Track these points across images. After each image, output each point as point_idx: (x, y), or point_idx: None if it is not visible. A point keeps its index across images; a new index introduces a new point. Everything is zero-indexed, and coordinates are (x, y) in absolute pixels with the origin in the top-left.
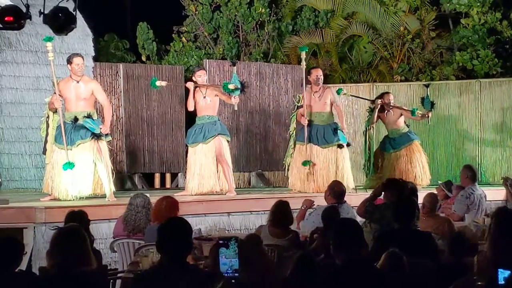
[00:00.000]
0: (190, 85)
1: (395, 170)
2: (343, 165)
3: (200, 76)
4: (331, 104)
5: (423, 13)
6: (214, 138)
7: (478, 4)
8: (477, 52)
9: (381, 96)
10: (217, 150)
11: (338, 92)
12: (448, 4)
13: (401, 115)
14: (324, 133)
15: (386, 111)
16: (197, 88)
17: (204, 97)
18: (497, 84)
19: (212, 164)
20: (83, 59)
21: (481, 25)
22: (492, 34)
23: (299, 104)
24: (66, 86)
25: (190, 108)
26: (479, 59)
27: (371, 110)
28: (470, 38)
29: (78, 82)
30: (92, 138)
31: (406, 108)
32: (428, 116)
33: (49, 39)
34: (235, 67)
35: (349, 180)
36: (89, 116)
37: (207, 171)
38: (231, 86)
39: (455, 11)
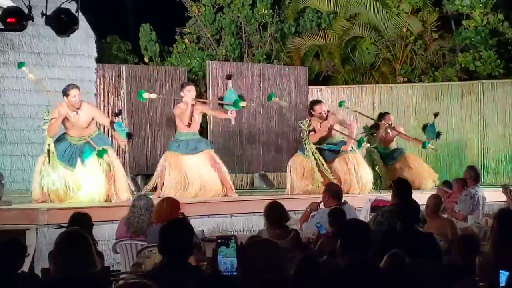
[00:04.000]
0: (189, 100)
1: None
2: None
3: (190, 92)
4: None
5: (426, 14)
6: (205, 152)
7: (480, 5)
8: (480, 53)
9: (382, 116)
10: (211, 161)
11: (340, 104)
12: (451, 6)
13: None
14: (329, 150)
15: (384, 131)
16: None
17: (193, 114)
18: (499, 85)
19: (210, 172)
20: (79, 89)
21: (483, 26)
22: (494, 35)
23: (310, 129)
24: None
25: (186, 123)
26: (482, 60)
27: (369, 129)
28: (472, 39)
29: (77, 113)
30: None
31: (413, 137)
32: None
33: (21, 64)
34: (230, 80)
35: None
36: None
37: (207, 177)
38: (242, 104)
39: (457, 12)
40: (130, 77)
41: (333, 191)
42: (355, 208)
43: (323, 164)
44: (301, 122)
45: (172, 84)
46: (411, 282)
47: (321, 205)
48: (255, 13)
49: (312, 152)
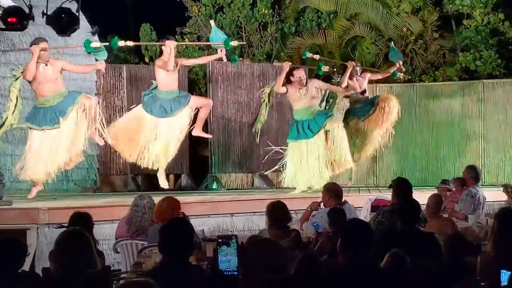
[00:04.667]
0: (172, 46)
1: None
2: (338, 144)
3: (171, 42)
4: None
5: (426, 14)
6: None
7: (481, 5)
8: (480, 53)
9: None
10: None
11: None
12: (451, 5)
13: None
14: (309, 124)
15: (355, 77)
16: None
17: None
18: (500, 85)
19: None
20: (47, 43)
21: (484, 26)
22: (495, 35)
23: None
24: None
25: (170, 67)
26: (482, 60)
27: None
28: (473, 39)
29: (46, 64)
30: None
31: (378, 70)
32: (401, 68)
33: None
34: (212, 20)
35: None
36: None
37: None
38: (233, 43)
39: (457, 12)
40: (130, 77)
41: (333, 191)
42: (355, 207)
43: None
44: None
45: None
46: (412, 282)
47: (322, 205)
48: (255, 12)
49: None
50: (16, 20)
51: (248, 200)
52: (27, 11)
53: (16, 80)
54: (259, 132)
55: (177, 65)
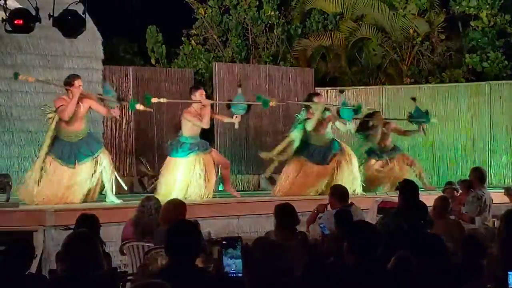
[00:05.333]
0: (207, 101)
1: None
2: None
3: (202, 95)
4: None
5: (432, 15)
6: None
7: (487, 6)
8: (487, 54)
9: (372, 115)
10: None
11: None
12: (457, 7)
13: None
14: (324, 152)
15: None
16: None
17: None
18: (507, 86)
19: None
20: (81, 79)
21: (490, 27)
22: (501, 36)
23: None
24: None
25: (207, 126)
26: (489, 61)
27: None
28: (479, 40)
29: (78, 103)
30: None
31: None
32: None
33: (16, 75)
34: (240, 88)
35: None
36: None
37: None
38: (272, 103)
39: (464, 13)
40: (137, 79)
41: (339, 193)
42: (362, 209)
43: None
44: (297, 115)
45: (179, 86)
46: (419, 283)
47: (328, 206)
48: (261, 14)
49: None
50: (23, 22)
51: (254, 202)
52: (33, 13)
53: (52, 122)
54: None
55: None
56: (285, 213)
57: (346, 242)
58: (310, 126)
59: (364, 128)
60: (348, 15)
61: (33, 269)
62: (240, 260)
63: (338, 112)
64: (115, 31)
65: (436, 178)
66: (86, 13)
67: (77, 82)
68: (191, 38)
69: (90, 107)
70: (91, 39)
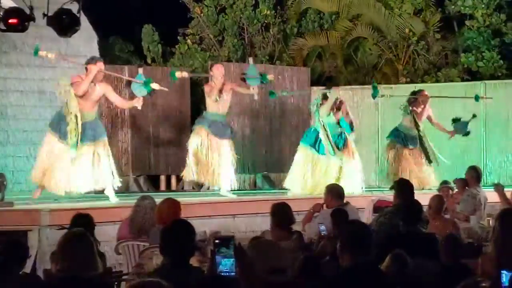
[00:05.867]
0: (219, 77)
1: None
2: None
3: (219, 69)
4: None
5: (428, 15)
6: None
7: (483, 6)
8: (482, 54)
9: (417, 93)
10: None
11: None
12: (453, 6)
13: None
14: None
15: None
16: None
17: (221, 93)
18: (502, 86)
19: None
20: (103, 64)
21: (485, 27)
22: (497, 36)
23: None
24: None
25: (214, 98)
26: (484, 61)
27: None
28: (475, 40)
29: (95, 84)
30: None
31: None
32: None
33: (36, 50)
34: (251, 57)
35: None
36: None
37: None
38: (270, 77)
39: (459, 13)
40: (133, 78)
41: (335, 192)
42: (357, 208)
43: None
44: (311, 103)
45: (175, 85)
46: (413, 283)
47: (324, 206)
48: (257, 14)
49: (323, 125)
50: (17, 21)
51: (250, 201)
52: (28, 12)
53: (71, 97)
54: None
55: (222, 90)
56: (281, 213)
57: (339, 242)
58: (323, 112)
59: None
60: (344, 14)
61: (27, 269)
62: (233, 259)
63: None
64: (110, 30)
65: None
66: (81, 12)
67: (99, 64)
68: (187, 37)
69: (104, 95)
70: (86, 38)
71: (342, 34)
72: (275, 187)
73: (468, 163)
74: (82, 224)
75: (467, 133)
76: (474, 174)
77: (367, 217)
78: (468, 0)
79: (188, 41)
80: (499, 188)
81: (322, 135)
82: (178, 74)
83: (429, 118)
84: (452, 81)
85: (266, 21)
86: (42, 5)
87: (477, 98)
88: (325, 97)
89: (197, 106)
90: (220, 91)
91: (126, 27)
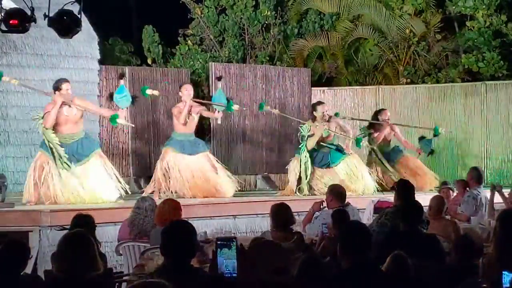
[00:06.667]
0: (187, 99)
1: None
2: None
3: (187, 90)
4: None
5: (429, 16)
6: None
7: (484, 6)
8: (483, 54)
9: (379, 113)
10: (209, 162)
11: (336, 114)
12: (454, 7)
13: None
14: (330, 155)
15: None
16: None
17: (190, 114)
18: (502, 87)
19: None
20: (69, 83)
21: (486, 27)
22: (497, 37)
23: (309, 134)
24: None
25: (182, 121)
26: (485, 62)
27: (366, 129)
28: (475, 40)
29: (70, 106)
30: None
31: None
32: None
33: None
34: (220, 82)
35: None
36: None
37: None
38: (235, 107)
39: (460, 13)
40: (133, 79)
41: (337, 192)
42: (358, 209)
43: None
44: (301, 126)
45: (175, 86)
46: (414, 284)
47: (324, 204)
48: (258, 14)
49: (305, 162)
50: (18, 22)
51: (250, 202)
52: (29, 13)
53: (46, 132)
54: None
55: (191, 112)
56: (281, 213)
57: (339, 243)
58: (310, 145)
59: (369, 127)
60: (345, 15)
61: (28, 269)
62: (235, 260)
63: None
64: (111, 31)
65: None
66: (82, 13)
67: (64, 86)
68: (187, 38)
69: (85, 109)
70: (87, 39)
71: (342, 34)
72: (275, 188)
73: (469, 163)
74: (83, 224)
75: (431, 152)
76: (475, 175)
77: (367, 217)
78: (469, 0)
79: (189, 41)
80: (497, 188)
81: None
82: (149, 91)
83: (397, 137)
84: (452, 81)
85: (266, 22)
86: (43, 6)
87: (436, 130)
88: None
89: None
90: (189, 112)
91: (127, 28)
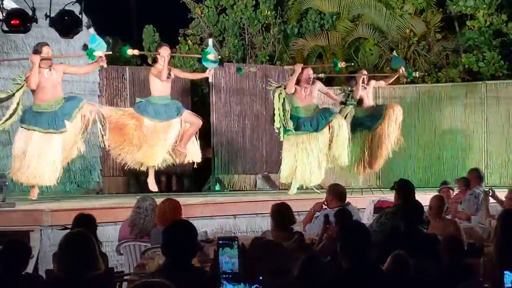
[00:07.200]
0: (166, 56)
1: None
2: (339, 142)
3: (166, 50)
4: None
5: (429, 15)
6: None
7: (484, 6)
8: (483, 54)
9: (355, 73)
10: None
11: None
12: (454, 6)
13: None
14: (312, 120)
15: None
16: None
17: (169, 75)
18: (503, 86)
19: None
20: (49, 47)
21: (487, 27)
22: (498, 36)
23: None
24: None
25: (164, 78)
26: (485, 61)
27: (347, 87)
28: (476, 40)
29: (50, 69)
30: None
31: (382, 77)
32: (404, 73)
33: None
34: (211, 39)
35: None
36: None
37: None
38: (210, 56)
39: (460, 13)
40: (133, 79)
41: (337, 192)
42: (358, 209)
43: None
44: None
45: (175, 85)
46: (414, 283)
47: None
48: (258, 14)
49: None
50: (19, 22)
51: (251, 202)
52: (30, 13)
53: (20, 89)
54: (281, 132)
55: (170, 74)
56: (281, 213)
57: (339, 244)
58: (289, 86)
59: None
60: (345, 14)
61: (29, 269)
62: (237, 260)
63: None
64: (112, 31)
65: (432, 178)
66: (83, 13)
67: (45, 49)
68: (187, 38)
69: (64, 72)
70: (87, 39)
71: (342, 34)
72: (275, 188)
73: (469, 163)
74: (84, 224)
75: (405, 61)
76: (476, 175)
77: (367, 217)
78: (470, 0)
79: (189, 41)
80: (490, 194)
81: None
82: (129, 51)
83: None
84: (453, 81)
85: (266, 22)
86: (44, 6)
87: (410, 74)
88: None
89: (198, 106)
90: (168, 72)
91: (127, 27)
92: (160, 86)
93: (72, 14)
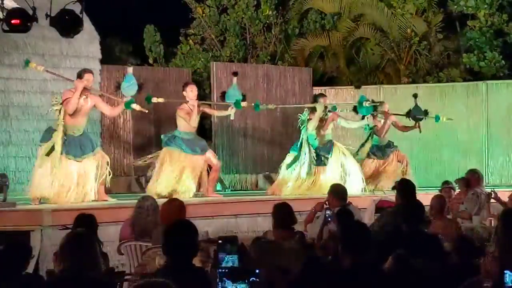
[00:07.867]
0: (193, 100)
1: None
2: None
3: (192, 91)
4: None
5: (430, 15)
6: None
7: (485, 6)
8: (484, 54)
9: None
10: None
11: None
12: (455, 6)
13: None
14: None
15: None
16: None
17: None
18: (504, 86)
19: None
20: (93, 75)
21: (488, 27)
22: (499, 36)
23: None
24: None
25: (194, 124)
26: (486, 61)
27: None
28: (477, 40)
29: (86, 97)
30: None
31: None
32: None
33: (27, 63)
34: (236, 77)
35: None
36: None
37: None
38: (243, 104)
39: (462, 13)
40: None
41: (338, 192)
42: (359, 209)
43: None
44: (301, 114)
45: (177, 85)
46: (416, 283)
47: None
48: (259, 14)
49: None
50: (20, 22)
51: (252, 202)
52: (30, 12)
53: (60, 113)
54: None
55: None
56: (282, 213)
57: (340, 244)
58: (311, 126)
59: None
60: (346, 14)
61: (30, 269)
62: (237, 258)
63: (355, 109)
64: (112, 31)
65: (433, 178)
66: (84, 13)
67: (87, 76)
68: (189, 38)
69: (95, 106)
70: (88, 39)
71: (344, 34)
72: None
73: (470, 163)
74: (85, 224)
75: (426, 112)
76: (476, 176)
77: (369, 217)
78: (471, 0)
79: (190, 41)
80: (493, 196)
81: (304, 152)
82: (154, 99)
83: (395, 125)
84: (454, 81)
85: (268, 22)
86: (45, 5)
87: (437, 118)
88: (312, 110)
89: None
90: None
91: (128, 27)
92: (185, 125)
93: (72, 13)
